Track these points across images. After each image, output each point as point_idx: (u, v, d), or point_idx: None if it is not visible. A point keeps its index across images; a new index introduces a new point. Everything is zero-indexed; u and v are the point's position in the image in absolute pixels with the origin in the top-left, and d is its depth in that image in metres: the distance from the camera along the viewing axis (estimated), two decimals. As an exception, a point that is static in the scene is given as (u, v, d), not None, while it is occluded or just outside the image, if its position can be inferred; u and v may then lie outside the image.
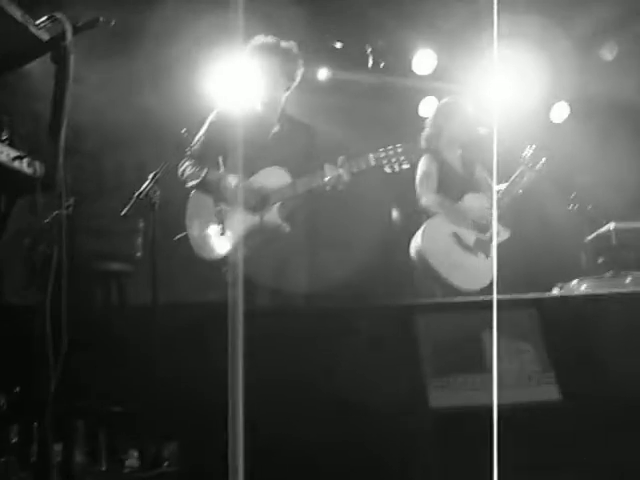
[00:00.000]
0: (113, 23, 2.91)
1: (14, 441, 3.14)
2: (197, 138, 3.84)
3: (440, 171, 4.51)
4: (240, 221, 3.62)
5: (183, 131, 3.63)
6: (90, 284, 3.31)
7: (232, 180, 3.67)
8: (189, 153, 3.74)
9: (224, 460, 1.59)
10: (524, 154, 4.31)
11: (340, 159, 3.63)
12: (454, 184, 4.48)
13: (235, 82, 4.27)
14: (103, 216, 3.32)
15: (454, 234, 4.27)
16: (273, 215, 3.62)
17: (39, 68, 2.62)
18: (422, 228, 4.29)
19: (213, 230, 3.66)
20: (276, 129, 3.85)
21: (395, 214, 6.50)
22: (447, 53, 5.97)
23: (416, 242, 4.29)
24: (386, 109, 6.29)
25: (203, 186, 3.71)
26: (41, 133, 2.49)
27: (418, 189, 4.49)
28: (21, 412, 3.03)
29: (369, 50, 6.05)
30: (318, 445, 2.51)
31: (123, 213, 3.30)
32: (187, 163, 3.79)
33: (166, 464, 3.32)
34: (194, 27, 4.77)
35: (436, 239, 4.24)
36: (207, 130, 3.84)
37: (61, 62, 2.48)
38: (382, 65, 6.12)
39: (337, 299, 4.34)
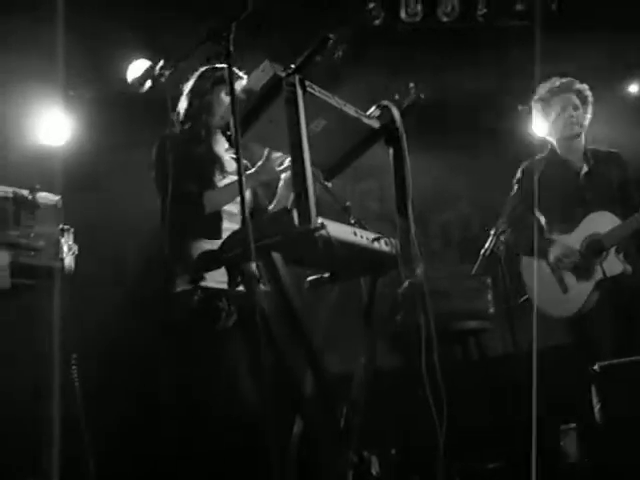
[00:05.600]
0: (423, 96, 3.08)
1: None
2: (509, 200, 3.93)
3: None
4: (579, 275, 3.68)
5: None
6: (449, 345, 3.43)
7: (558, 244, 3.74)
8: (504, 220, 3.82)
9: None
10: None
11: None
12: None
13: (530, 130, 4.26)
14: (451, 277, 3.46)
15: None
16: (613, 261, 3.63)
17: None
18: None
19: (555, 289, 3.73)
20: (585, 169, 3.86)
21: None
22: None
23: None
24: None
25: (531, 251, 3.77)
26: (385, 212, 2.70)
27: None
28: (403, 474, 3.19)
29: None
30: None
31: (473, 272, 3.41)
32: (507, 231, 3.85)
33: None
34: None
35: None
36: (517, 190, 3.95)
37: (396, 144, 2.68)
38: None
39: None
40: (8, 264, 2.68)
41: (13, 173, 3.76)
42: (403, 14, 4.97)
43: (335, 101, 2.53)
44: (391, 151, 2.67)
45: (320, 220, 2.19)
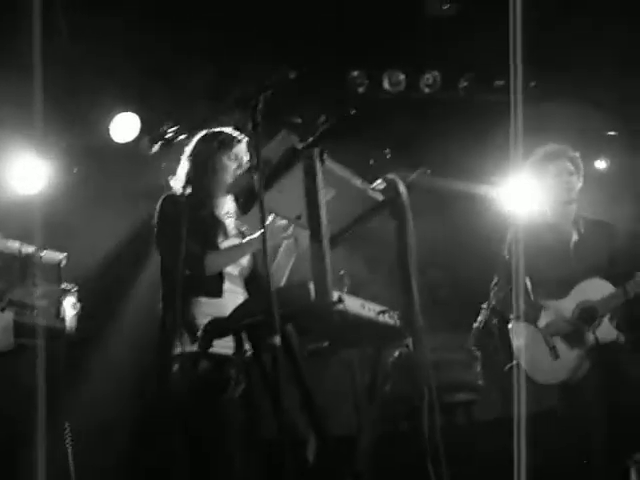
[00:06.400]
0: (429, 172, 3.14)
1: None
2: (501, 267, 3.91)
3: None
4: (571, 343, 3.63)
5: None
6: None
7: (550, 310, 3.69)
8: (499, 286, 3.83)
9: None
10: None
11: None
12: None
13: (523, 195, 4.32)
14: (439, 348, 3.47)
15: None
16: (606, 328, 3.59)
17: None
18: None
19: (545, 355, 3.67)
20: (575, 237, 3.86)
21: None
22: None
23: None
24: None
25: (519, 317, 3.73)
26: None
27: None
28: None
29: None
30: None
31: (468, 345, 3.43)
32: (498, 293, 3.86)
33: None
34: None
35: None
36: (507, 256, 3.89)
37: (400, 218, 2.71)
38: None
39: None
40: (12, 324, 2.61)
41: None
42: (386, 84, 5.11)
43: (344, 172, 2.57)
44: (395, 224, 2.71)
45: (337, 294, 2.20)
